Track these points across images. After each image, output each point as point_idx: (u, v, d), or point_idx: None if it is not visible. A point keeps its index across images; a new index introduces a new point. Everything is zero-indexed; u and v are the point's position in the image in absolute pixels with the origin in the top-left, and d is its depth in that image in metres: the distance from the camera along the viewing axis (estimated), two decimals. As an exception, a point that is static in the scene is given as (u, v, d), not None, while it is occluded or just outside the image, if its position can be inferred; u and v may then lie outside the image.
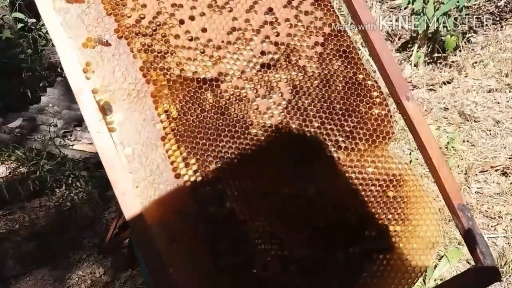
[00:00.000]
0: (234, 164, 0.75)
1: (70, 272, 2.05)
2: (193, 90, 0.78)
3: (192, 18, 0.81)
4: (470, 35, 3.05)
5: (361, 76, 0.83)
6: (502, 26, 3.10)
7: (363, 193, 0.78)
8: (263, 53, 0.81)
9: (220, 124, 0.78)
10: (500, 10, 3.22)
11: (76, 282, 2.01)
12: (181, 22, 0.80)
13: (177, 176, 0.75)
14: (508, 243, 1.95)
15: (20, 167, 2.58)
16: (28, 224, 2.28)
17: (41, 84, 3.05)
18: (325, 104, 0.81)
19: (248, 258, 0.73)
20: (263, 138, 0.77)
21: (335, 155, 0.79)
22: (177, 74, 0.78)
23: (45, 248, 2.16)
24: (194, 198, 0.73)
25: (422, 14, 2.62)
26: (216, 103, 0.79)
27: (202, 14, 0.81)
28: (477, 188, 2.19)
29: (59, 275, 2.04)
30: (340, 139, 0.80)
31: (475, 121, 2.51)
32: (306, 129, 0.80)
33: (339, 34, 0.83)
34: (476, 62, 2.87)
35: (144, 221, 0.70)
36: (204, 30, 0.81)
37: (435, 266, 1.71)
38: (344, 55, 0.83)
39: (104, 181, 2.49)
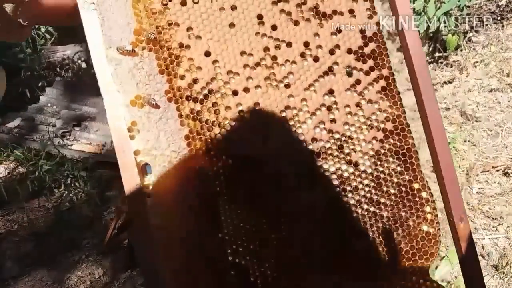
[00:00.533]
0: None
1: (69, 273, 2.04)
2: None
3: (246, 89, 0.74)
4: (471, 34, 3.04)
5: (416, 186, 0.74)
6: (503, 26, 3.09)
7: None
8: (314, 139, 0.74)
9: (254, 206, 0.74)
10: (501, 9, 3.20)
11: (75, 283, 2.00)
12: (235, 92, 0.74)
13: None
14: (510, 244, 1.93)
15: (19, 167, 2.57)
16: (27, 225, 2.27)
17: (40, 84, 3.04)
18: (372, 209, 0.73)
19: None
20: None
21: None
22: (223, 147, 0.74)
23: (44, 248, 2.15)
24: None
25: (423, 13, 2.61)
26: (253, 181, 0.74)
27: (258, 86, 0.75)
28: (478, 188, 2.18)
29: (58, 276, 2.03)
30: (382, 254, 0.72)
31: (476, 121, 2.50)
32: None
33: (401, 133, 0.75)
34: (477, 62, 2.86)
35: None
36: (256, 104, 0.74)
37: (436, 267, 1.70)
38: (403, 158, 0.74)
39: (103, 182, 2.49)
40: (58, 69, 3.22)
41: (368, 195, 0.73)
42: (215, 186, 0.73)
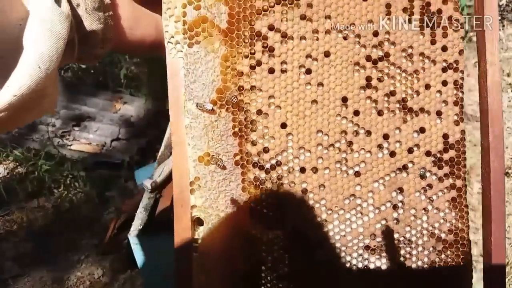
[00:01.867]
0: None
1: (69, 273, 2.04)
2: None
3: (314, 169, 0.73)
4: (471, 34, 3.03)
5: None
6: (503, 26, 3.08)
7: None
8: (372, 235, 0.73)
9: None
10: (501, 9, 3.20)
11: (74, 283, 2.00)
12: (302, 170, 0.72)
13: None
14: (510, 244, 1.93)
15: (18, 167, 2.57)
16: (26, 225, 2.26)
17: (39, 84, 3.03)
18: None
19: None
20: None
21: None
22: None
23: (44, 249, 2.15)
24: None
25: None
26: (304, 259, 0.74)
27: (327, 168, 0.73)
28: (479, 188, 2.17)
29: (58, 276, 2.03)
30: None
31: (476, 121, 2.49)
32: None
33: (461, 248, 0.73)
34: (477, 62, 2.85)
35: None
36: (321, 186, 0.73)
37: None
38: (457, 274, 0.73)
39: (103, 182, 2.48)
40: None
41: None
42: (263, 255, 0.72)
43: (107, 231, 2.10)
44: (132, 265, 1.78)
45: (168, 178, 1.44)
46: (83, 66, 3.18)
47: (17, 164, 2.57)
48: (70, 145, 2.66)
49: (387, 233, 0.74)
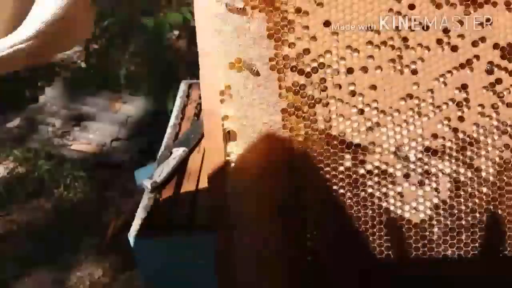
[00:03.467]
0: None
1: (69, 274, 2.04)
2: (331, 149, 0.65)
3: (364, 69, 0.65)
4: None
5: None
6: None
7: None
8: (434, 136, 0.65)
9: (349, 196, 0.65)
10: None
11: (74, 283, 1.99)
12: (350, 71, 0.65)
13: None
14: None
15: (18, 167, 2.56)
16: (26, 225, 2.26)
17: (39, 84, 3.03)
18: (485, 225, 0.65)
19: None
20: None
21: None
22: (321, 129, 0.65)
23: (43, 249, 2.14)
24: None
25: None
26: (351, 170, 0.65)
27: (379, 67, 0.66)
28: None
29: (58, 277, 2.02)
30: None
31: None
32: (449, 249, 0.65)
33: None
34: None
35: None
36: (373, 87, 0.66)
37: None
38: None
39: (103, 182, 2.48)
40: (57, 69, 3.21)
41: (484, 204, 0.65)
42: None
43: (107, 231, 2.10)
44: (132, 265, 1.78)
45: (168, 178, 1.43)
46: (83, 66, 3.18)
47: (17, 164, 2.57)
48: (70, 145, 2.65)
49: (451, 133, 0.65)
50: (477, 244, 0.65)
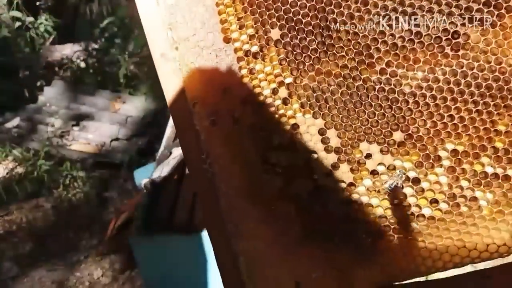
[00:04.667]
0: (303, 31, 0.54)
1: (68, 274, 2.03)
2: None
3: None
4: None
5: None
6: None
7: None
8: None
9: None
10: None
11: (74, 283, 1.99)
12: None
13: (227, 40, 0.56)
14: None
15: (18, 167, 2.56)
16: (26, 225, 2.26)
17: (38, 84, 3.02)
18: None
19: (306, 159, 0.57)
20: (350, 17, 0.52)
21: (460, 31, 0.50)
22: None
23: (43, 249, 2.14)
24: (245, 76, 0.56)
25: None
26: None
27: None
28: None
29: (57, 277, 2.02)
30: (475, 6, 0.49)
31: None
32: None
33: None
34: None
35: (182, 92, 0.57)
36: None
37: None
38: None
39: (102, 182, 2.48)
40: (56, 69, 3.21)
41: None
42: None
43: (106, 231, 2.09)
44: (132, 265, 1.77)
45: (168, 178, 1.43)
46: (82, 66, 3.18)
47: (17, 164, 2.57)
48: (70, 145, 2.65)
49: None
50: None
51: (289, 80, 0.56)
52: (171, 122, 1.76)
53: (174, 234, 1.27)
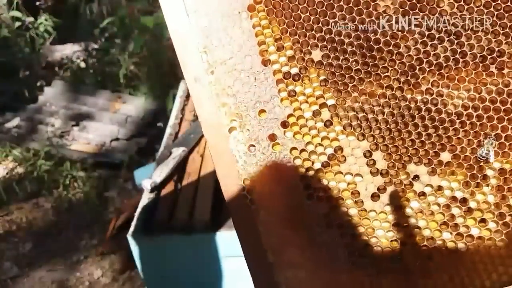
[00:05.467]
0: (345, 52, 0.53)
1: (68, 274, 2.03)
2: None
3: None
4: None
5: None
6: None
7: None
8: None
9: None
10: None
11: (74, 283, 1.99)
12: None
13: (265, 62, 0.54)
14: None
15: (18, 167, 2.56)
16: (26, 225, 2.26)
17: (38, 84, 3.03)
18: None
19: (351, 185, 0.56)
20: (394, 17, 0.51)
21: (505, 49, 0.50)
22: None
23: (43, 249, 2.14)
24: (285, 99, 0.56)
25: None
26: None
27: None
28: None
29: (57, 277, 2.02)
30: None
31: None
32: (465, 6, 0.50)
33: None
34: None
35: (219, 117, 0.55)
36: None
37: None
38: None
39: (102, 182, 2.48)
40: (57, 69, 3.21)
41: None
42: None
43: (106, 232, 2.09)
44: (132, 265, 1.77)
45: (168, 178, 1.43)
46: (82, 66, 3.18)
47: (17, 164, 2.57)
48: (70, 145, 2.65)
49: None
50: None
51: (331, 102, 0.55)
52: (171, 122, 1.76)
53: (174, 234, 1.27)
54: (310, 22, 0.53)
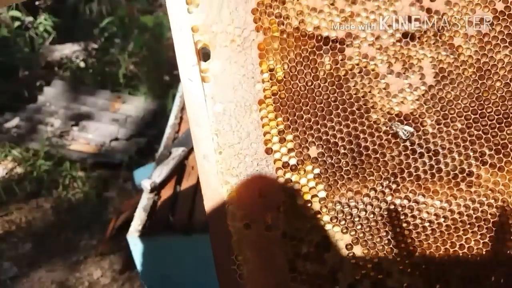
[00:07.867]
0: (338, 153, 0.62)
1: (67, 274, 2.03)
2: (309, 50, 0.61)
3: None
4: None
5: None
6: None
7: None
8: (409, 19, 0.60)
9: (333, 99, 0.61)
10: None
11: (73, 284, 1.99)
12: None
13: (268, 151, 0.62)
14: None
15: (17, 167, 2.56)
16: (25, 225, 2.25)
17: (38, 84, 3.02)
18: (476, 103, 0.60)
19: (332, 270, 0.63)
20: (384, 128, 0.61)
21: (474, 170, 0.61)
22: (295, 26, 0.61)
23: (42, 249, 2.14)
24: (281, 185, 0.63)
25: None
26: (334, 71, 0.61)
27: None
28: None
29: (56, 277, 2.02)
30: (487, 151, 0.60)
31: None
32: (445, 128, 0.60)
33: None
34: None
35: (220, 194, 0.63)
36: None
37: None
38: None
39: (102, 182, 2.47)
40: (56, 69, 3.21)
41: (471, 87, 0.61)
42: None
43: (106, 232, 2.09)
44: (131, 265, 1.77)
45: (168, 178, 1.43)
46: (82, 66, 3.18)
47: (16, 164, 2.56)
48: (69, 145, 2.65)
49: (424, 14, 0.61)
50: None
51: (322, 194, 0.63)
52: (170, 122, 1.76)
53: (174, 234, 1.27)
54: (310, 123, 0.62)
